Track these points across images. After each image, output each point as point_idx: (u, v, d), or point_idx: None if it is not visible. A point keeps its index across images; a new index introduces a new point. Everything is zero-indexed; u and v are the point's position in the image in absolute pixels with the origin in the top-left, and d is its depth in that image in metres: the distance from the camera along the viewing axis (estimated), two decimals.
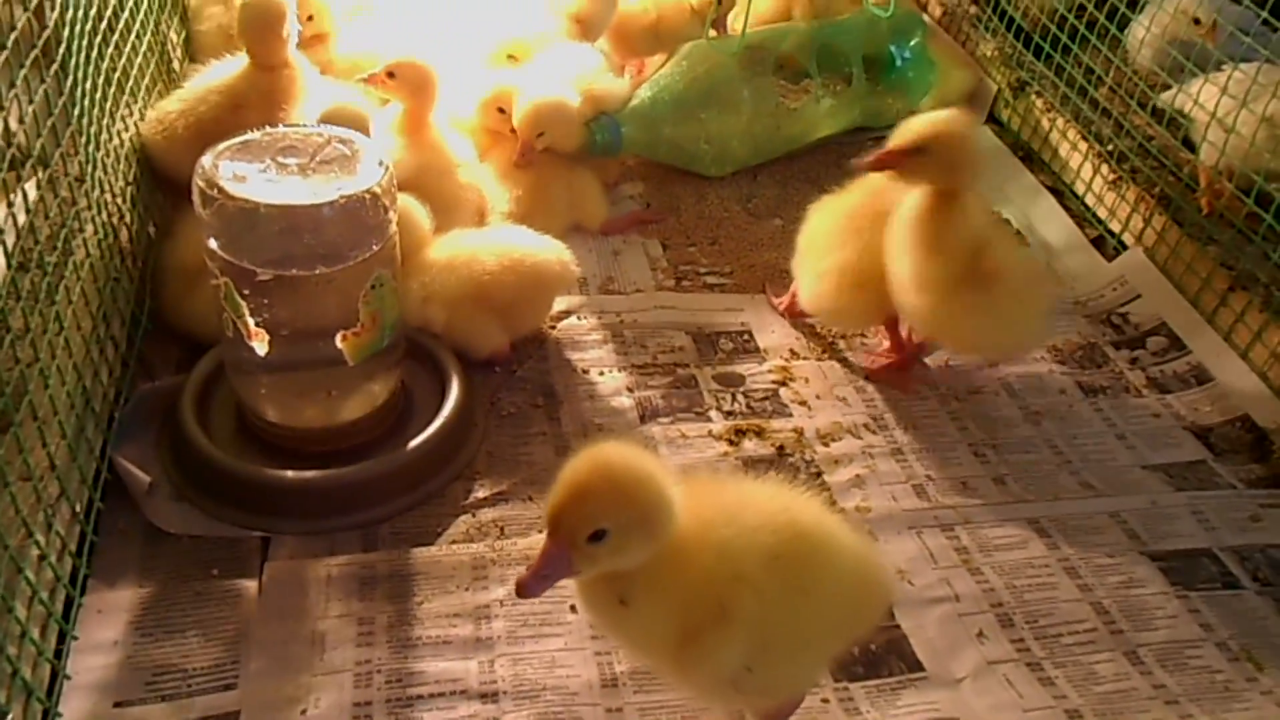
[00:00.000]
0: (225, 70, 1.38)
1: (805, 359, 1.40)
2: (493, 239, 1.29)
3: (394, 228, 1.06)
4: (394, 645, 1.00)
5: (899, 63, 1.86)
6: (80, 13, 1.19)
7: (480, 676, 0.98)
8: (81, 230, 1.07)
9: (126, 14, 1.39)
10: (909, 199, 1.21)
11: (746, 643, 0.80)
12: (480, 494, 1.16)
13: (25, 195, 0.99)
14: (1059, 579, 1.12)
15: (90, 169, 1.15)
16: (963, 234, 1.19)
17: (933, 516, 1.19)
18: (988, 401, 1.37)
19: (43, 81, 1.04)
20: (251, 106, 1.33)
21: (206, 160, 1.00)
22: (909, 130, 1.18)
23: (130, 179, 1.29)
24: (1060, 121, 1.79)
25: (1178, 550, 1.17)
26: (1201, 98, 1.54)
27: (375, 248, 1.03)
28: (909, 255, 1.21)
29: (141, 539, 1.07)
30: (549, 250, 1.30)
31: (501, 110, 1.51)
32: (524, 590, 0.76)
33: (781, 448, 1.26)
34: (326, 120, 1.19)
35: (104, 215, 1.15)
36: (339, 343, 1.05)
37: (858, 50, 1.79)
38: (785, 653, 0.83)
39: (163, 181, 1.37)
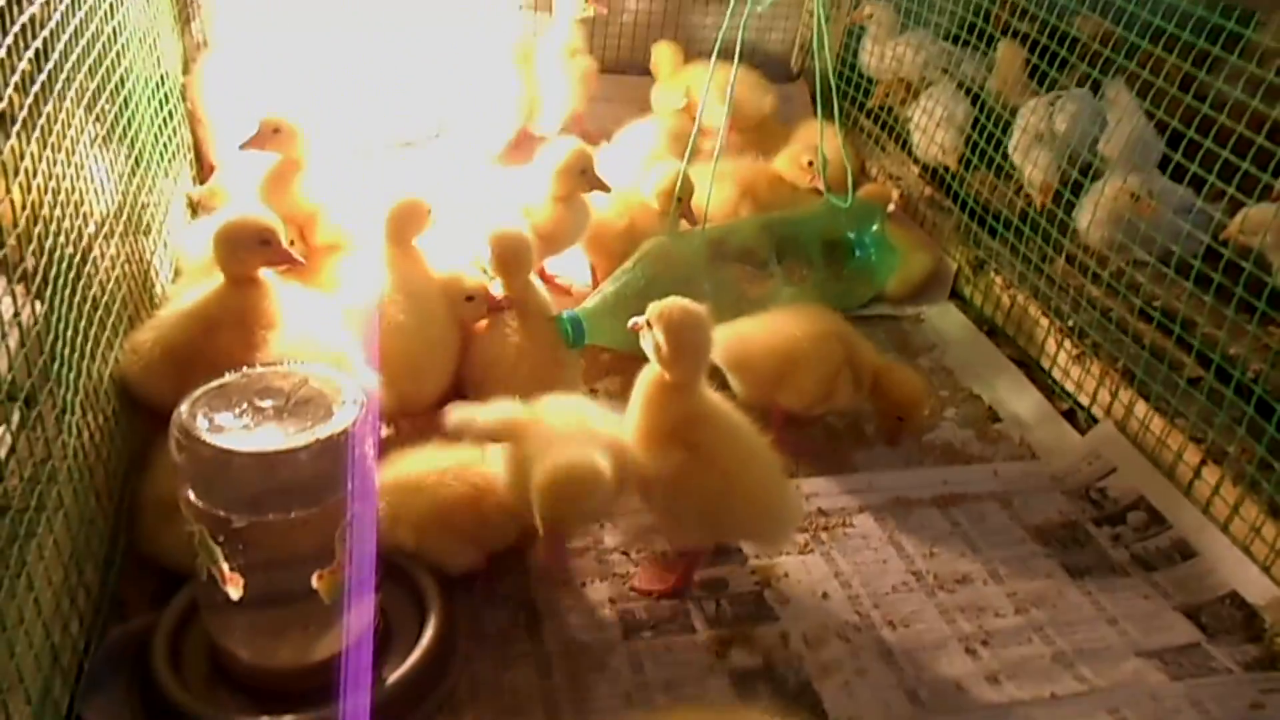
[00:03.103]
0: (197, 294, 1.40)
1: (786, 554, 1.39)
2: (459, 460, 1.29)
3: (370, 461, 1.07)
4: None
5: (858, 249, 1.93)
6: (59, 239, 1.21)
7: None
8: (55, 480, 1.07)
9: (115, 240, 1.43)
10: (645, 371, 1.25)
11: None
12: None
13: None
14: None
15: (71, 397, 1.15)
16: (671, 410, 1.22)
17: None
18: (975, 591, 1.36)
19: (16, 315, 1.04)
20: (226, 328, 1.35)
21: (183, 409, 1.01)
22: (653, 306, 1.24)
23: (109, 412, 1.30)
24: (1020, 297, 1.85)
25: None
26: None
27: (351, 485, 1.03)
28: (633, 416, 1.25)
29: None
30: None
31: (470, 298, 1.54)
32: None
33: (769, 655, 1.23)
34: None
35: (80, 457, 1.16)
36: (315, 582, 1.04)
37: (815, 240, 1.86)
38: None
39: (142, 409, 1.38)
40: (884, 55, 2.37)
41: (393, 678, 1.10)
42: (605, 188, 1.77)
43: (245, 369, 1.09)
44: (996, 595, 1.35)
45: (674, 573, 1.32)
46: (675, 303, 1.24)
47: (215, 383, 1.06)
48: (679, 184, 1.78)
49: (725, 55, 1.77)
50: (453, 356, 1.52)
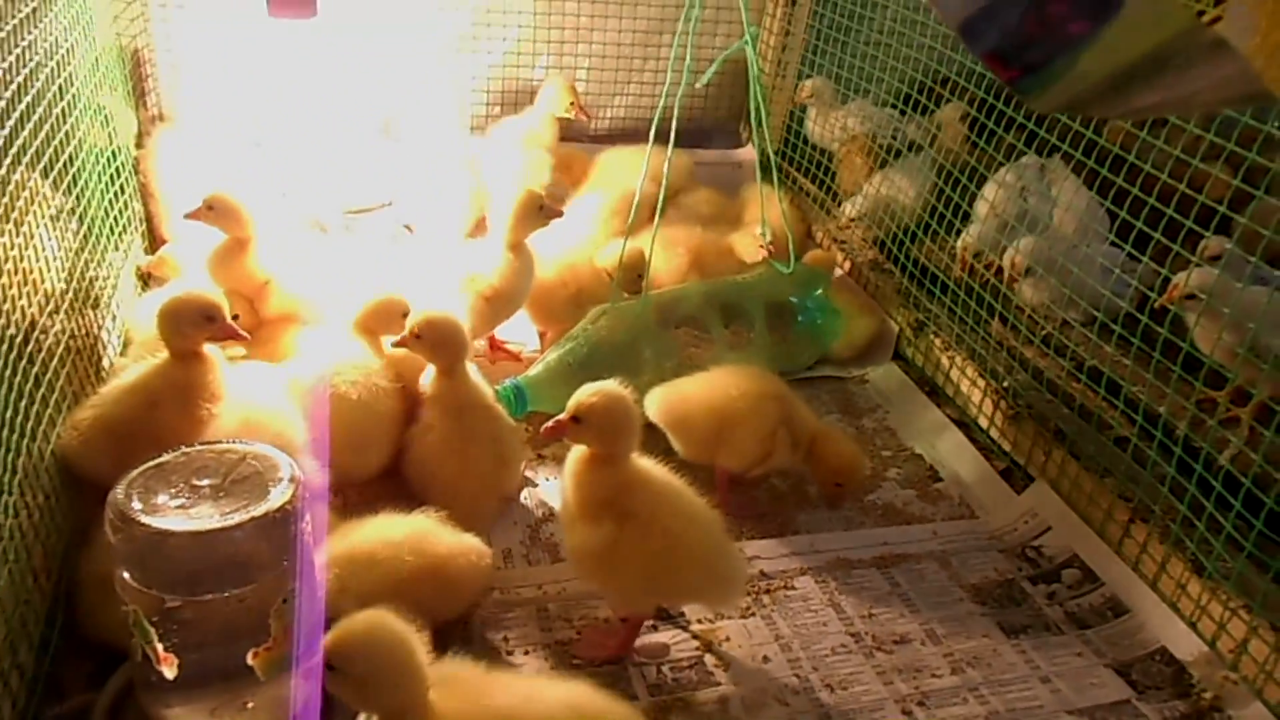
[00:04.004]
0: (139, 369, 1.41)
1: (729, 618, 1.41)
2: (415, 532, 1.30)
3: (306, 537, 1.08)
4: None
5: (801, 314, 1.98)
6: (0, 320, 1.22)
7: None
8: None
9: (61, 316, 1.44)
10: (575, 449, 1.28)
11: None
12: None
13: None
14: None
15: (9, 479, 1.15)
16: (604, 483, 1.25)
17: None
18: (913, 651, 1.38)
19: None
20: (168, 403, 1.36)
21: (119, 490, 1.03)
22: (573, 399, 1.26)
23: (50, 490, 1.30)
24: (959, 359, 1.90)
25: None
26: None
27: (286, 563, 1.05)
28: (566, 492, 1.28)
29: None
30: (468, 550, 1.33)
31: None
32: None
33: None
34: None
35: (17, 537, 1.16)
36: (250, 660, 1.05)
37: (759, 305, 1.91)
38: None
39: (83, 486, 1.38)
40: (828, 125, 2.45)
41: None
42: (560, 213, 1.79)
43: (183, 447, 1.10)
44: (934, 655, 1.38)
45: (616, 639, 1.34)
46: (594, 392, 1.25)
47: (152, 462, 1.07)
48: (623, 258, 1.81)
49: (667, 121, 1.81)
50: (397, 431, 1.53)
